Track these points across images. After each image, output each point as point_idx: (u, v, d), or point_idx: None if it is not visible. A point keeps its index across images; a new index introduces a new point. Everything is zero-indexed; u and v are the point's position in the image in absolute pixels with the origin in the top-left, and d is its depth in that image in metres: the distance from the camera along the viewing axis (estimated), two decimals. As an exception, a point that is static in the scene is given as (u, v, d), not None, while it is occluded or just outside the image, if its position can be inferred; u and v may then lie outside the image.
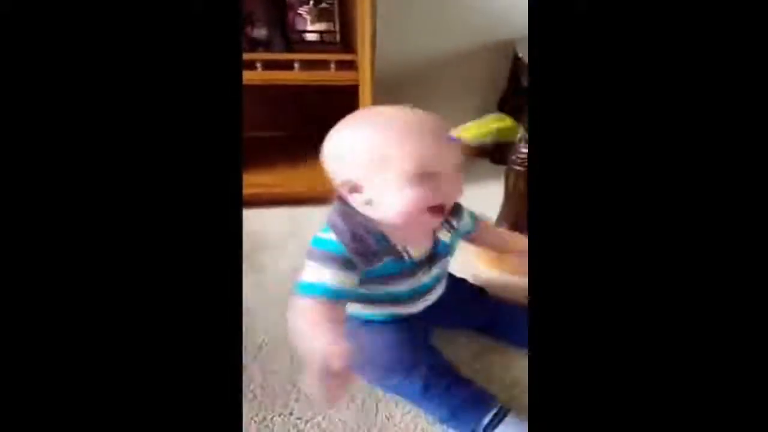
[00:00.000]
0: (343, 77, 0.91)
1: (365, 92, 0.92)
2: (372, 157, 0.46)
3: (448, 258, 0.59)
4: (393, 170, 0.45)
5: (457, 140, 0.47)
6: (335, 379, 0.37)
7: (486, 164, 1.22)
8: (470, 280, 0.72)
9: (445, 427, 0.53)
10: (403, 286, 0.54)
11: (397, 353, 0.55)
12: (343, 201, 0.51)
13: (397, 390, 0.55)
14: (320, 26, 1.03)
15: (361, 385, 0.57)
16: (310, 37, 1.03)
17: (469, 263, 0.79)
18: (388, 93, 1.19)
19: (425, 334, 0.61)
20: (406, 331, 0.57)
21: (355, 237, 0.48)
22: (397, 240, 0.51)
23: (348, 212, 0.50)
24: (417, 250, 0.53)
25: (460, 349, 0.64)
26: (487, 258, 0.83)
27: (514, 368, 0.62)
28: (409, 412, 0.55)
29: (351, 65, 0.92)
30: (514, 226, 0.88)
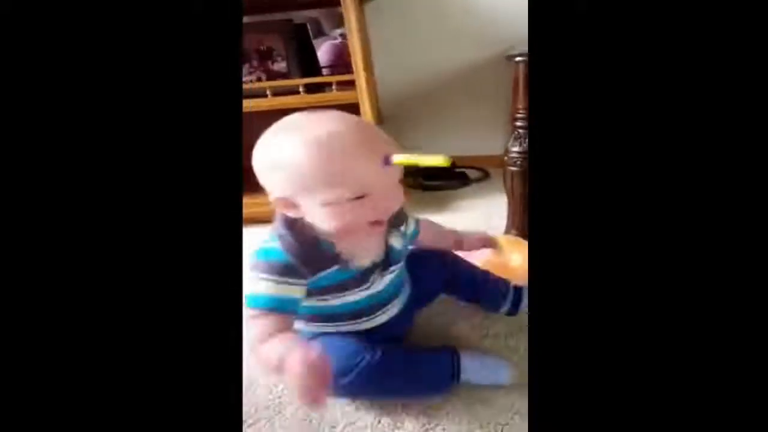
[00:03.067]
0: (343, 97, 0.94)
1: (366, 109, 0.94)
2: (305, 180, 0.42)
3: (402, 264, 0.56)
4: (327, 194, 0.42)
5: (392, 161, 0.42)
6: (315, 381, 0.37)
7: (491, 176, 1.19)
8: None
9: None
10: (358, 296, 0.51)
11: (349, 345, 0.50)
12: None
13: (355, 382, 0.49)
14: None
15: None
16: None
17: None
18: (394, 109, 1.21)
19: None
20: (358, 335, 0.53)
21: (302, 245, 0.46)
22: (344, 248, 0.48)
23: (294, 221, 0.47)
24: (365, 258, 0.50)
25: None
26: (493, 269, 0.76)
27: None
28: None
29: (352, 85, 0.95)
30: (523, 233, 0.80)
